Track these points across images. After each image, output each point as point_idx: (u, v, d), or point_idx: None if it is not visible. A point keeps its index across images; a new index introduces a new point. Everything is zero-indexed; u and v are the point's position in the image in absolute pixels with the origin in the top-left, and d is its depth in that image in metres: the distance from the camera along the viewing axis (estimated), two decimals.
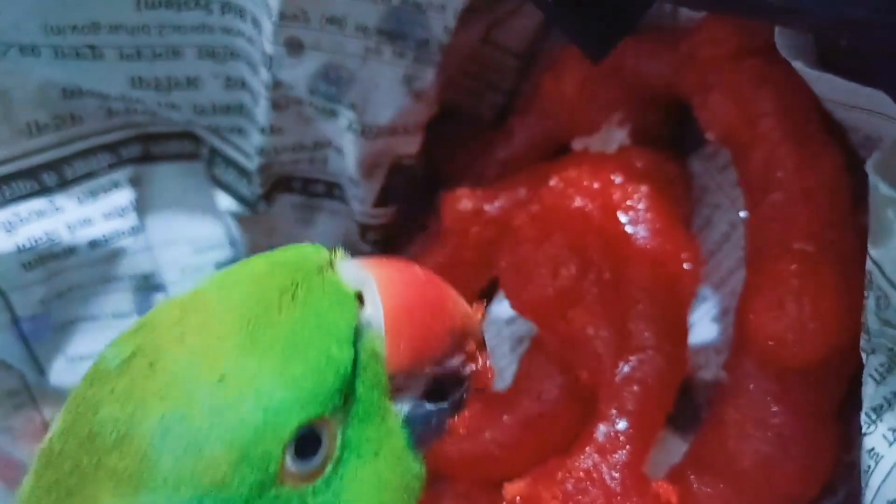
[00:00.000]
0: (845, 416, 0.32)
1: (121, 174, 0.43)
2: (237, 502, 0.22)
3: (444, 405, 0.27)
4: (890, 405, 0.23)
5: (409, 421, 0.26)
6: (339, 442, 0.24)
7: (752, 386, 0.32)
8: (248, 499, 0.22)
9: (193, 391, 0.23)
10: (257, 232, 0.46)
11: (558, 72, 0.41)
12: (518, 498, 0.34)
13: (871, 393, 0.24)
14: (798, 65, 0.31)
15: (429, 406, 0.26)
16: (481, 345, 0.27)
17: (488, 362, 0.27)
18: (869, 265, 0.24)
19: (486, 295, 0.45)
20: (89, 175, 0.43)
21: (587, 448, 0.34)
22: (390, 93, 0.39)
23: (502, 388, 0.42)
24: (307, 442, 0.23)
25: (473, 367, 0.27)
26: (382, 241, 0.46)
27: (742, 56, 0.36)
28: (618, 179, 0.37)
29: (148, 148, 0.44)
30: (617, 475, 0.33)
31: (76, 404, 0.24)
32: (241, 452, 0.22)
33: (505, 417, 0.39)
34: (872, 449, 0.23)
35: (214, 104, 0.42)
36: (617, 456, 0.33)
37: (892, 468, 0.23)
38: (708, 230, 0.39)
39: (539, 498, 0.33)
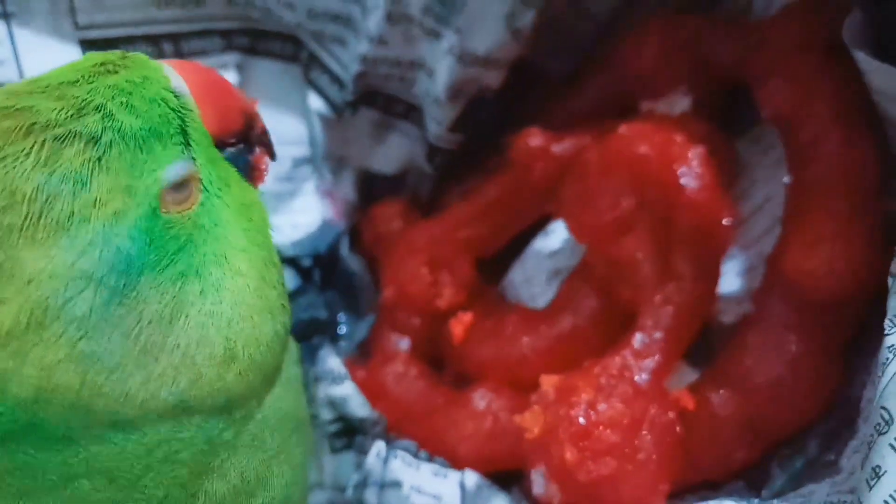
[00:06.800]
0: (848, 357, 0.37)
1: (229, 58, 0.48)
2: (138, 231, 0.26)
3: (241, 146, 0.33)
4: None
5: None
6: (197, 175, 0.29)
7: (775, 316, 0.37)
8: (148, 227, 0.27)
9: (61, 135, 0.26)
10: (336, 138, 0.51)
11: (640, 40, 0.46)
12: (553, 388, 0.39)
13: (893, 305, 0.29)
14: (860, 55, 0.36)
15: (229, 150, 0.33)
16: (265, 130, 0.35)
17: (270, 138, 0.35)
18: None
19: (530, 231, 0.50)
20: (203, 52, 0.47)
21: (623, 351, 0.39)
22: (493, 25, 0.44)
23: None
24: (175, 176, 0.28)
25: (259, 137, 0.34)
26: (447, 165, 0.51)
27: (806, 48, 0.41)
28: (677, 138, 0.42)
29: (255, 43, 0.49)
30: (646, 377, 0.38)
31: None
32: (126, 185, 0.26)
33: (542, 328, 0.44)
34: (892, 346, 0.28)
35: (326, 11, 0.47)
36: (648, 361, 0.38)
37: None
38: (745, 200, 0.45)
39: (575, 387, 0.38)
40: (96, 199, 0.25)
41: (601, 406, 0.37)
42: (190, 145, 0.29)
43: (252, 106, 0.35)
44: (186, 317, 0.27)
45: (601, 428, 0.37)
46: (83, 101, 0.27)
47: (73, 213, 0.25)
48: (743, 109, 0.45)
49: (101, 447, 0.27)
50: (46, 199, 0.25)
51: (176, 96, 0.29)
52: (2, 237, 0.25)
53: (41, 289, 0.25)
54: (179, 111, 0.29)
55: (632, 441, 0.37)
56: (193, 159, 0.29)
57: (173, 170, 0.28)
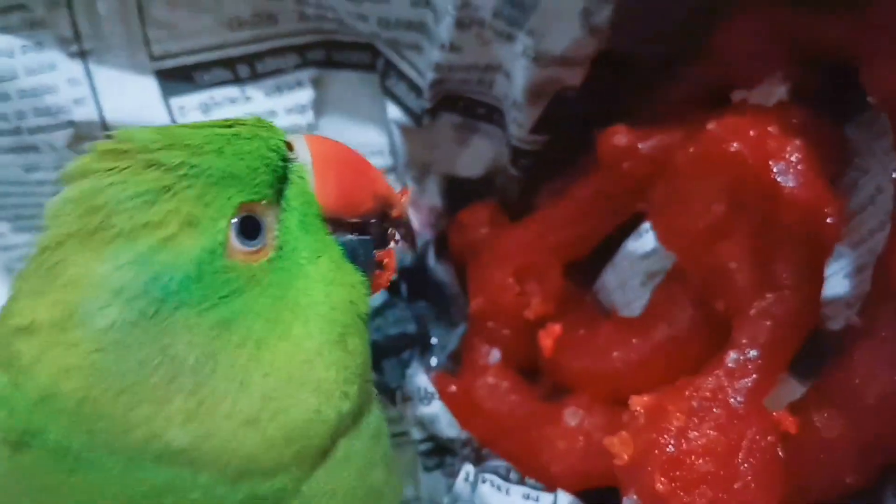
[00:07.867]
0: None
1: (305, 74, 0.47)
2: (189, 266, 0.26)
3: (367, 238, 0.32)
4: None
5: (342, 246, 0.31)
6: (278, 232, 0.29)
7: (885, 330, 0.34)
8: (200, 261, 0.27)
9: (147, 160, 0.27)
10: (418, 144, 0.49)
11: (730, 26, 0.42)
12: (643, 409, 0.37)
13: None
14: None
15: (351, 236, 0.32)
16: (405, 218, 0.34)
17: (412, 229, 0.34)
18: None
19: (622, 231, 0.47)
20: (278, 72, 0.47)
21: (716, 371, 0.36)
22: (568, 24, 0.41)
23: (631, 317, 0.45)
24: (249, 224, 0.28)
25: (397, 223, 0.33)
26: (532, 167, 0.49)
27: None
28: (773, 130, 0.39)
29: (331, 54, 0.48)
30: (741, 399, 0.36)
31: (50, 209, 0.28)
32: (188, 215, 0.27)
33: (634, 340, 0.42)
34: None
35: (399, 19, 0.45)
36: (743, 382, 0.36)
37: None
38: (855, 192, 0.41)
39: (664, 411, 0.36)
40: (149, 222, 0.26)
41: (692, 433, 0.35)
42: (280, 205, 0.29)
43: (390, 191, 0.33)
44: (215, 364, 0.27)
45: (693, 457, 0.35)
46: (181, 138, 0.28)
47: (124, 229, 0.26)
48: (852, 92, 0.41)
49: (104, 475, 0.26)
50: (109, 213, 0.26)
51: (284, 159, 0.30)
52: (65, 240, 0.26)
53: (74, 292, 0.26)
54: (279, 171, 0.29)
55: (728, 469, 0.35)
56: (279, 220, 0.29)
57: (247, 222, 0.28)
